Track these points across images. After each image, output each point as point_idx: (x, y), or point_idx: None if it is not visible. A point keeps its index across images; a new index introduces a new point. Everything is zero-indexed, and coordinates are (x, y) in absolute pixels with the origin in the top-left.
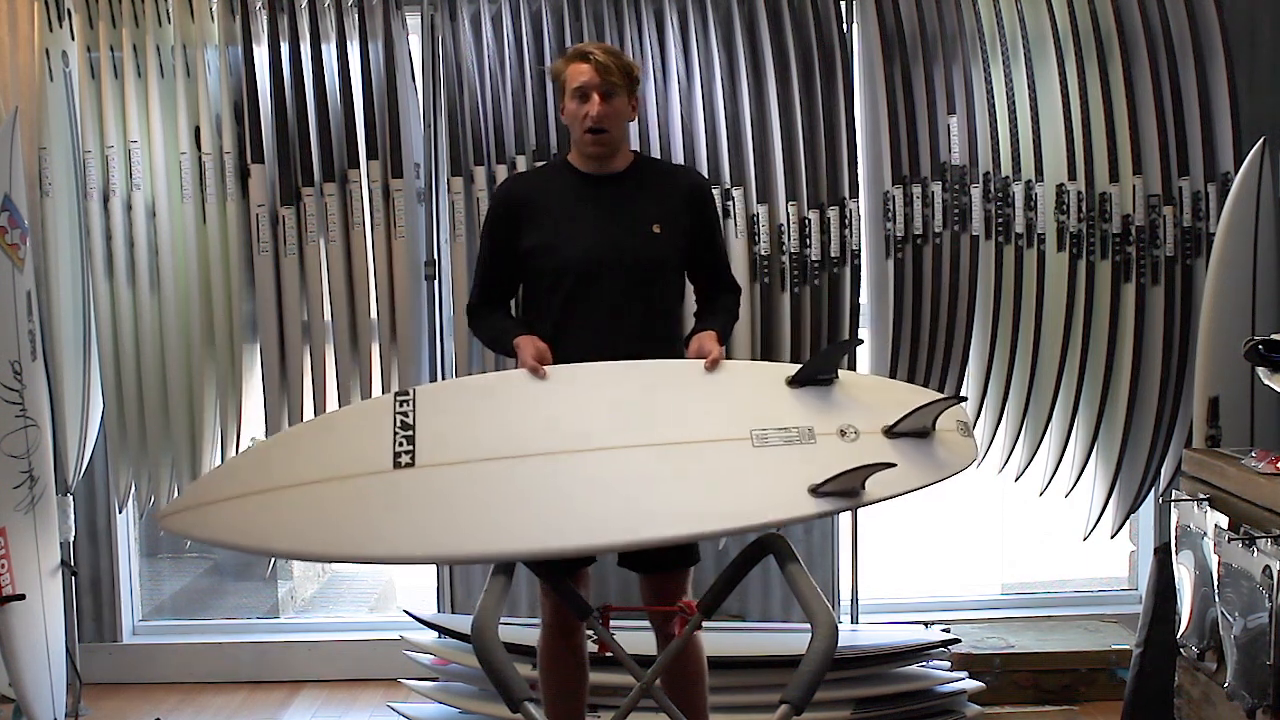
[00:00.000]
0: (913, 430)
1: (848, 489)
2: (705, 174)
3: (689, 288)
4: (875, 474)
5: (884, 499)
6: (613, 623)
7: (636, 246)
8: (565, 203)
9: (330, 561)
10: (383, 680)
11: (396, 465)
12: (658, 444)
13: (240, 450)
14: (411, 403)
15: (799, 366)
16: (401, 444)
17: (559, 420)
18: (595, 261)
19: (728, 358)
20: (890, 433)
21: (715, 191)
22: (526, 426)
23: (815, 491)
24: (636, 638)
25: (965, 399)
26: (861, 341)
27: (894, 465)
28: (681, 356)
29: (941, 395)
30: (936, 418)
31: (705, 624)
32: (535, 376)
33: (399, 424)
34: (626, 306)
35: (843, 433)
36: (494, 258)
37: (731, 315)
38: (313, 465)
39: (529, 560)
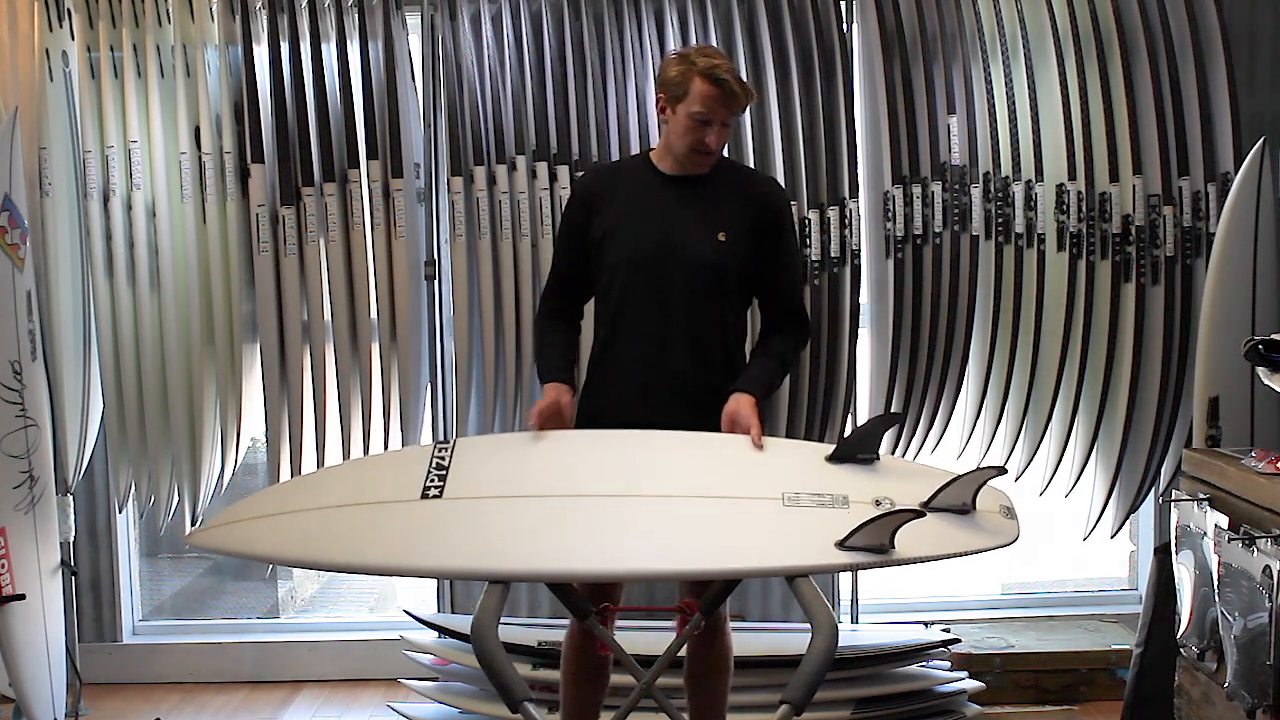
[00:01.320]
0: (952, 506)
1: (875, 543)
2: None
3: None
4: (905, 524)
5: (915, 560)
6: (621, 622)
7: (696, 249)
8: (636, 198)
9: (340, 571)
10: (383, 680)
11: (424, 497)
12: (686, 495)
13: (240, 451)
14: (450, 449)
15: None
16: (433, 480)
17: (592, 470)
18: (649, 257)
19: None
20: (928, 506)
21: None
22: (559, 474)
23: (842, 545)
24: (641, 638)
25: (1005, 470)
26: (901, 417)
27: (923, 514)
28: (735, 369)
29: (982, 468)
30: (976, 492)
31: (731, 623)
32: (533, 429)
33: (434, 464)
34: (678, 308)
35: (877, 503)
36: (566, 247)
37: (781, 364)
38: (341, 493)
39: (544, 579)
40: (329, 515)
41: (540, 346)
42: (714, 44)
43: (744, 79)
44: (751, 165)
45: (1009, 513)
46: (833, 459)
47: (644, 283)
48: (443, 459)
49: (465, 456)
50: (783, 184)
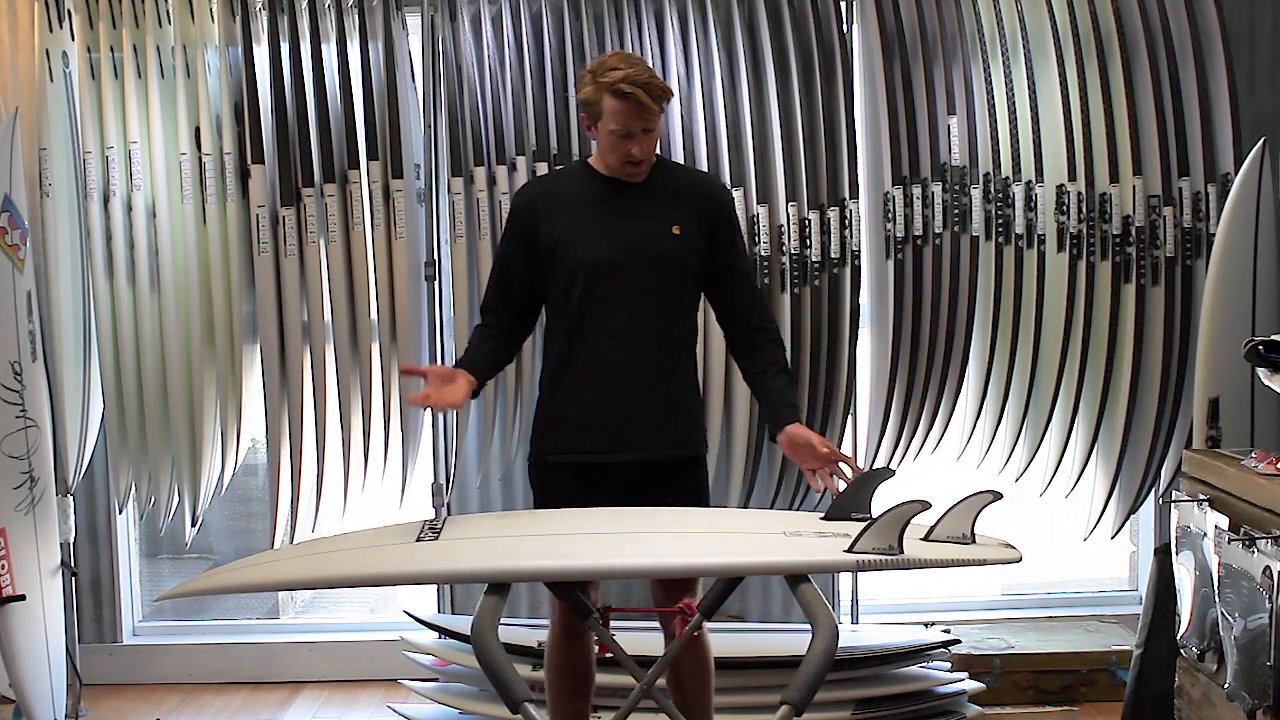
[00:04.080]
0: (952, 538)
1: (884, 544)
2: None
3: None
4: (913, 517)
5: (921, 564)
6: (617, 624)
7: (655, 245)
8: (582, 202)
9: (342, 586)
10: (383, 681)
11: (418, 541)
12: (687, 531)
13: (240, 451)
14: (444, 521)
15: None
16: (426, 534)
17: (591, 523)
18: (612, 259)
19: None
20: (929, 539)
21: None
22: (555, 527)
23: (851, 549)
24: (638, 638)
25: (1001, 495)
26: (893, 473)
27: (929, 506)
28: (693, 362)
29: (976, 493)
30: (975, 520)
31: (707, 625)
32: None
33: (428, 527)
34: (643, 306)
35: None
36: (508, 259)
37: (791, 379)
38: (333, 545)
39: (544, 578)
40: (324, 554)
41: (465, 351)
42: (714, 44)
43: (654, 79)
44: (752, 165)
45: (1010, 546)
46: (828, 518)
47: (605, 286)
48: (435, 524)
49: (457, 524)
50: (782, 183)
